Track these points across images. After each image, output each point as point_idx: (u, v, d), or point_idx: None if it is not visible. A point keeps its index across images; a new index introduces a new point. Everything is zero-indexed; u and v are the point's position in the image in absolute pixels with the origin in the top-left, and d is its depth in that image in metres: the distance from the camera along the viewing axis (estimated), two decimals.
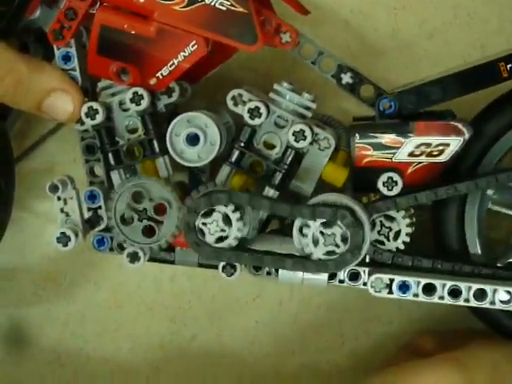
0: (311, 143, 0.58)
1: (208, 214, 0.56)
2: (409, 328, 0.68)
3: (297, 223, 0.56)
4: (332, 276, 0.60)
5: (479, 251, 0.60)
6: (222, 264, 0.59)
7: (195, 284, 0.70)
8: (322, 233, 0.55)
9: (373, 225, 0.58)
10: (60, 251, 0.69)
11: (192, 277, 0.70)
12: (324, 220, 0.55)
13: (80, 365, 0.72)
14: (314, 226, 0.55)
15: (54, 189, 0.58)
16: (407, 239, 0.58)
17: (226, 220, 0.56)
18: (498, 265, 0.60)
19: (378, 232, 0.59)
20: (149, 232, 0.57)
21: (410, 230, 0.58)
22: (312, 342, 0.69)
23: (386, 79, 0.63)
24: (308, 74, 0.65)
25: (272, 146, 0.59)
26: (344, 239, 0.55)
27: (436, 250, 0.61)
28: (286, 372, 0.70)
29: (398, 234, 0.59)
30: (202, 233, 0.56)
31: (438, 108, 0.60)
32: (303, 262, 0.55)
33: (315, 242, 0.55)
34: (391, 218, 0.58)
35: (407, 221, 0.58)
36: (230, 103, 0.59)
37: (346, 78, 0.59)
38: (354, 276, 0.60)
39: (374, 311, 0.69)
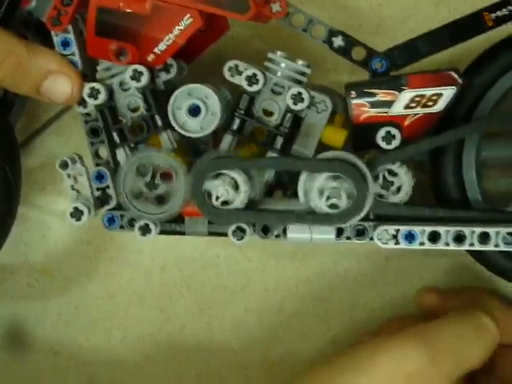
0: (309, 107, 0.60)
1: (216, 177, 0.58)
2: (391, 314, 0.70)
3: (302, 178, 0.58)
4: (339, 233, 0.61)
5: (479, 198, 0.61)
6: (231, 229, 0.60)
7: (185, 274, 0.71)
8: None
9: (375, 179, 0.60)
10: (55, 244, 0.72)
11: (182, 267, 0.71)
12: (329, 174, 0.57)
13: (73, 353, 0.73)
14: (320, 178, 0.57)
15: (63, 166, 0.59)
16: (409, 193, 0.60)
17: (234, 185, 0.58)
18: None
19: (381, 186, 0.60)
20: (161, 201, 0.59)
21: (411, 183, 0.60)
22: (298, 329, 0.71)
23: None
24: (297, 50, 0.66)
25: (271, 113, 0.61)
26: (349, 194, 0.57)
27: (436, 200, 0.62)
28: (273, 358, 0.71)
29: (399, 188, 0.60)
30: (210, 196, 0.58)
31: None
32: (309, 215, 0.57)
33: (320, 195, 0.57)
34: (393, 173, 0.60)
35: (409, 174, 0.60)
36: (227, 74, 0.60)
37: (338, 41, 0.61)
38: (361, 232, 0.61)
39: (358, 299, 0.71)
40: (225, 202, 0.59)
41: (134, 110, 0.62)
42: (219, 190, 0.58)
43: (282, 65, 0.61)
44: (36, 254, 0.73)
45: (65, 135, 0.71)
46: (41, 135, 0.72)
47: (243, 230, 0.60)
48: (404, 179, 0.60)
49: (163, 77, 0.61)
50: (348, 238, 0.61)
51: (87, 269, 0.73)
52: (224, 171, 0.58)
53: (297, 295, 0.72)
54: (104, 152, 0.63)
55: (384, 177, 0.60)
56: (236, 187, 0.58)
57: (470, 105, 0.61)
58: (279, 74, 0.61)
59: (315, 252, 0.70)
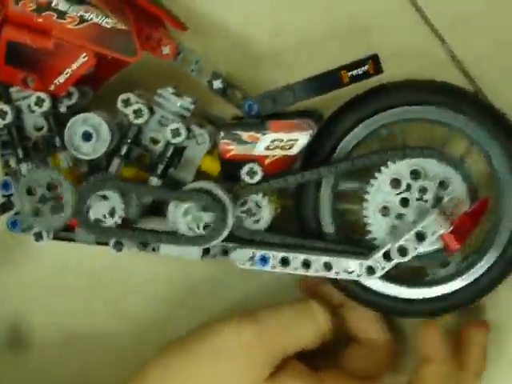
0: (189, 138, 0.69)
1: (97, 197, 0.67)
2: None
3: (171, 204, 0.67)
4: (207, 251, 0.70)
5: (332, 230, 0.71)
6: (111, 242, 0.70)
7: (98, 266, 0.79)
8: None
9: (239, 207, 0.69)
10: None
11: (95, 260, 0.79)
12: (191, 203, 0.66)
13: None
14: (185, 205, 0.66)
15: None
16: (269, 220, 0.69)
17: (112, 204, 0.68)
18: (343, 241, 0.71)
19: (244, 213, 0.69)
20: (54, 213, 0.68)
21: (272, 212, 0.69)
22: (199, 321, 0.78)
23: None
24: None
25: (157, 141, 0.70)
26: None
27: (298, 228, 0.72)
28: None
29: (261, 216, 0.69)
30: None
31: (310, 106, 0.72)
32: (173, 236, 0.66)
33: (184, 220, 0.67)
34: (256, 203, 0.69)
35: (269, 205, 0.69)
36: (120, 105, 0.69)
37: (217, 84, 0.70)
38: (225, 252, 0.70)
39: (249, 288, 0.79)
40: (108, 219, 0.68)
41: (40, 129, 0.71)
42: (99, 208, 0.67)
43: (170, 100, 0.69)
44: None
45: None
46: None
47: (122, 244, 0.69)
48: (265, 209, 0.69)
49: (65, 103, 0.70)
50: (214, 256, 0.70)
51: (9, 257, 0.81)
52: (104, 192, 0.67)
53: (199, 290, 0.80)
54: (13, 163, 0.72)
55: (247, 206, 0.69)
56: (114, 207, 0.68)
57: (330, 148, 0.70)
58: (166, 107, 0.69)
59: None
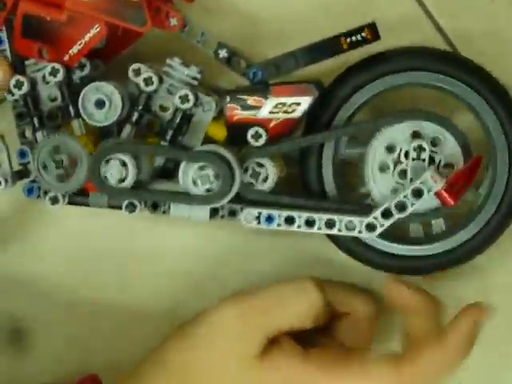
0: (196, 106, 0.73)
1: (111, 159, 0.71)
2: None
3: (182, 165, 0.70)
4: (216, 212, 0.74)
5: (335, 191, 0.74)
6: (124, 203, 0.73)
7: (107, 240, 0.82)
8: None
9: (246, 170, 0.72)
10: None
11: (105, 235, 0.82)
12: (200, 164, 0.70)
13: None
14: (195, 166, 0.70)
15: None
16: (274, 182, 0.73)
17: (124, 165, 0.71)
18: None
19: (251, 175, 0.73)
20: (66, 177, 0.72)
21: (276, 174, 0.73)
22: (201, 291, 0.81)
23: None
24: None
25: (166, 109, 0.74)
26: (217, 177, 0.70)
27: (304, 190, 0.75)
28: (182, 316, 0.78)
29: (266, 178, 0.73)
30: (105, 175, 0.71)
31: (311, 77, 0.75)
32: (181, 195, 0.70)
33: (194, 182, 0.70)
34: (261, 165, 0.73)
35: (274, 167, 0.72)
36: (131, 75, 0.73)
37: (222, 53, 0.74)
38: (233, 213, 0.74)
39: (251, 266, 0.81)
40: (121, 181, 0.72)
41: (54, 99, 0.74)
42: (113, 170, 0.71)
43: (178, 69, 0.73)
44: None
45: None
46: None
47: (134, 205, 0.73)
48: (270, 171, 0.72)
49: (78, 74, 0.74)
50: (222, 217, 0.74)
51: (22, 230, 0.83)
52: (118, 155, 0.70)
53: (201, 261, 0.82)
54: (29, 133, 0.76)
55: (253, 168, 0.72)
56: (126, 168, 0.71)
57: (332, 113, 0.73)
58: (174, 76, 0.73)
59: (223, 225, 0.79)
